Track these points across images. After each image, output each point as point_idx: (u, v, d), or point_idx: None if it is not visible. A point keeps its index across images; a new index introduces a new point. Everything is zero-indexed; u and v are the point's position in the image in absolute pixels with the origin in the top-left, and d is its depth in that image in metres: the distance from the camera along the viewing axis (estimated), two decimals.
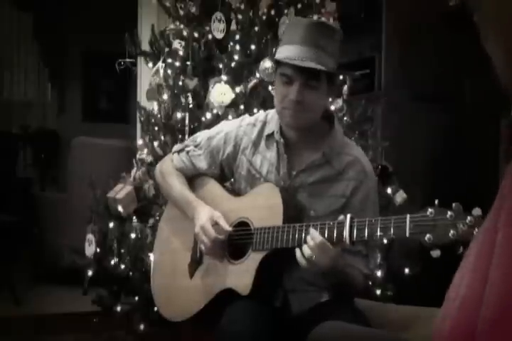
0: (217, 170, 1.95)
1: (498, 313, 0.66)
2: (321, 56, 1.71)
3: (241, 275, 1.72)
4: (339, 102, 2.84)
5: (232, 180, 1.98)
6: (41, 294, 4.03)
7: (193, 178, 1.99)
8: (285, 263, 1.75)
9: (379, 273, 2.71)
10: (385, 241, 2.71)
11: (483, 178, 3.43)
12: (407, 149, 3.34)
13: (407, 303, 2.05)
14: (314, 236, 1.56)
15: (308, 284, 1.78)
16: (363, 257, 1.80)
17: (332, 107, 2.82)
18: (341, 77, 2.89)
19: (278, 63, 1.78)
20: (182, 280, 1.90)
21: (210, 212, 1.82)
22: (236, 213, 1.82)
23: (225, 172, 1.96)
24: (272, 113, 1.90)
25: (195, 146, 1.96)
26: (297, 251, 1.60)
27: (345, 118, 2.84)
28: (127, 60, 3.36)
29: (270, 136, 1.86)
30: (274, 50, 2.58)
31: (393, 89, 3.49)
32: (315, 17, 2.84)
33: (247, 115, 2.01)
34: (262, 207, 1.77)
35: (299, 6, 2.85)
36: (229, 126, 1.96)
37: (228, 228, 1.78)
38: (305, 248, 1.58)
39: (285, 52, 1.73)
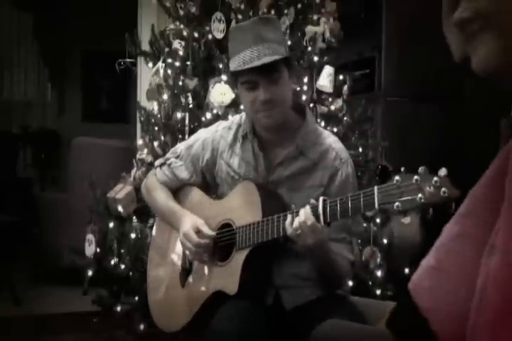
0: (200, 178, 1.98)
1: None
2: (270, 47, 1.72)
3: (228, 275, 1.74)
4: (339, 102, 2.84)
5: (217, 185, 1.99)
6: (41, 294, 4.03)
7: (177, 190, 2.02)
8: (272, 258, 1.77)
9: (379, 273, 2.71)
10: (385, 241, 2.71)
11: None
12: (407, 149, 3.34)
13: None
14: (307, 212, 1.58)
15: (301, 280, 1.79)
16: (348, 244, 1.81)
17: (332, 107, 2.82)
18: (341, 76, 2.89)
19: (236, 75, 1.79)
20: (175, 291, 1.92)
21: (193, 219, 1.85)
22: (219, 216, 1.85)
23: (207, 179, 1.99)
24: (244, 115, 1.93)
25: (176, 157, 2.00)
26: (288, 217, 1.61)
27: (345, 118, 2.84)
28: (127, 60, 3.36)
29: (245, 136, 1.88)
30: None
31: (393, 89, 3.49)
32: (315, 17, 2.84)
33: (222, 121, 2.04)
34: (242, 205, 1.80)
35: (299, 6, 2.85)
36: (206, 132, 2.00)
37: (211, 233, 1.81)
38: (295, 220, 1.59)
39: (237, 60, 1.74)
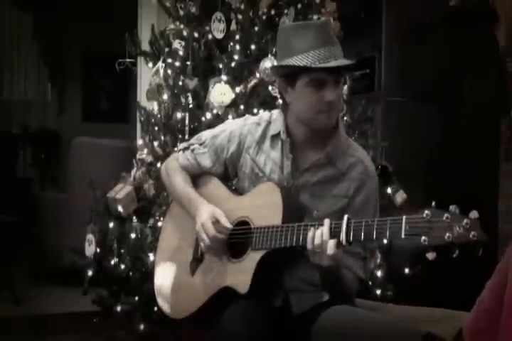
0: (221, 169, 1.95)
1: None
2: (340, 50, 1.76)
3: (240, 273, 1.73)
4: None
5: (237, 178, 1.98)
6: (41, 294, 4.03)
7: (196, 177, 2.00)
8: (285, 262, 1.76)
9: (379, 273, 2.71)
10: (385, 242, 2.71)
11: (483, 178, 3.43)
12: (407, 149, 3.34)
13: (407, 303, 2.05)
14: (325, 233, 1.57)
15: (309, 284, 1.78)
16: (361, 259, 1.80)
17: None
18: None
19: (298, 72, 1.74)
20: (184, 278, 1.91)
21: (212, 209, 1.83)
22: (237, 212, 1.83)
23: (229, 171, 1.96)
24: (275, 113, 1.90)
25: (200, 144, 1.97)
26: (310, 231, 1.59)
27: (345, 118, 2.84)
28: (127, 60, 3.37)
29: (275, 136, 1.86)
30: (273, 53, 2.59)
31: (393, 89, 3.49)
32: (315, 17, 2.84)
33: (249, 115, 2.01)
34: (262, 206, 1.78)
35: (299, 6, 2.85)
36: (233, 124, 1.96)
37: (229, 225, 1.79)
38: (317, 237, 1.58)
39: (310, 57, 1.71)
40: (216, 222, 1.79)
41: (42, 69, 6.91)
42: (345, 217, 1.56)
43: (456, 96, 3.52)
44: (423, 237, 1.36)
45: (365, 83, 3.48)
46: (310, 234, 1.59)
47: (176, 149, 2.06)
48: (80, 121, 6.99)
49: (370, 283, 2.71)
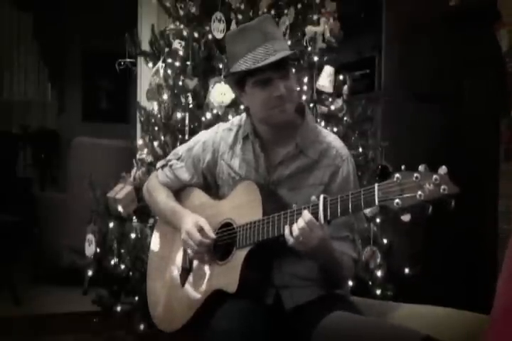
0: (201, 179, 1.99)
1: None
2: (280, 44, 1.76)
3: (228, 274, 1.74)
4: (339, 102, 2.84)
5: (217, 186, 2.00)
6: (41, 294, 4.04)
7: (178, 191, 2.03)
8: (272, 258, 1.77)
9: (379, 273, 2.71)
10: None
11: (483, 178, 3.43)
12: (407, 149, 3.34)
13: (407, 303, 2.05)
14: (305, 214, 1.58)
15: (301, 280, 1.79)
16: (351, 242, 1.81)
17: (332, 107, 2.82)
18: (341, 76, 2.89)
19: (243, 76, 1.78)
20: (175, 291, 1.92)
21: (195, 218, 1.86)
22: (220, 216, 1.85)
23: (208, 180, 1.99)
24: (244, 116, 1.93)
25: (177, 159, 2.01)
26: (286, 228, 1.61)
27: (345, 118, 2.84)
28: (127, 60, 3.36)
29: (245, 138, 1.89)
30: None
31: (393, 89, 3.49)
32: (315, 17, 2.84)
33: (222, 122, 2.04)
34: (242, 204, 1.80)
35: (299, 6, 2.85)
36: (206, 134, 2.01)
37: (212, 235, 1.81)
38: (294, 227, 1.59)
39: (248, 60, 1.74)
40: (201, 230, 1.82)
41: (42, 69, 6.91)
42: (322, 196, 1.57)
43: (456, 96, 3.52)
44: (396, 200, 1.36)
45: (365, 83, 3.48)
46: (286, 231, 1.61)
47: (158, 164, 2.09)
48: (80, 121, 6.99)
49: (370, 283, 2.71)
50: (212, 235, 1.81)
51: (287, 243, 1.61)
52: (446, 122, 3.51)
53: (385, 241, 2.77)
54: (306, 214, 1.57)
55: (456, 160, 3.46)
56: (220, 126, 1.98)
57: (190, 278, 1.89)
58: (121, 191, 2.80)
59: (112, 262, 2.74)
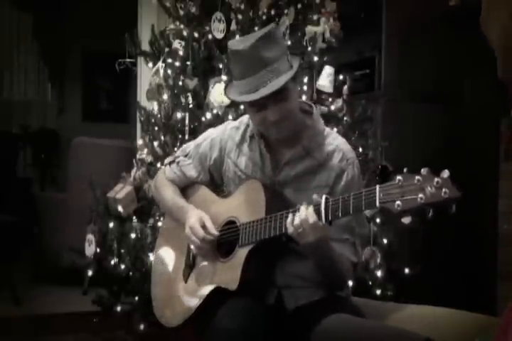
0: (207, 177, 1.99)
1: None
2: (274, 70, 1.69)
3: (229, 271, 1.74)
4: (339, 102, 2.84)
5: (224, 184, 2.00)
6: (41, 294, 4.03)
7: (185, 188, 2.04)
8: (274, 257, 1.77)
9: (379, 273, 2.71)
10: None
11: (483, 178, 3.43)
12: (407, 149, 3.34)
13: (407, 303, 2.05)
14: (308, 209, 1.58)
15: (303, 280, 1.79)
16: (351, 245, 1.81)
17: (332, 107, 2.82)
18: (341, 76, 2.89)
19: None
20: (178, 287, 1.92)
21: (199, 213, 1.87)
22: (225, 214, 1.86)
23: (215, 178, 2.00)
24: None
25: (185, 156, 2.02)
26: (289, 216, 1.61)
27: (345, 118, 2.84)
28: (127, 60, 3.36)
29: (252, 137, 1.89)
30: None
31: (393, 89, 3.49)
32: (315, 17, 2.84)
33: (230, 120, 2.05)
34: (247, 203, 1.80)
35: (299, 6, 2.85)
36: (214, 131, 2.01)
37: (214, 231, 1.81)
38: (296, 216, 1.60)
39: (241, 87, 1.73)
40: (204, 226, 1.82)
41: (42, 69, 6.91)
42: (324, 196, 1.57)
43: (456, 96, 3.52)
44: (397, 202, 1.35)
45: (365, 83, 3.48)
46: (289, 219, 1.61)
47: (166, 160, 2.09)
48: (80, 121, 6.99)
49: (370, 283, 2.71)
50: (215, 232, 1.82)
51: (287, 231, 1.61)
52: (446, 122, 3.51)
53: (385, 241, 2.77)
54: (310, 209, 1.58)
55: (456, 160, 3.46)
56: (229, 124, 1.98)
57: (193, 274, 1.89)
58: (121, 191, 2.80)
59: (112, 262, 2.74)
